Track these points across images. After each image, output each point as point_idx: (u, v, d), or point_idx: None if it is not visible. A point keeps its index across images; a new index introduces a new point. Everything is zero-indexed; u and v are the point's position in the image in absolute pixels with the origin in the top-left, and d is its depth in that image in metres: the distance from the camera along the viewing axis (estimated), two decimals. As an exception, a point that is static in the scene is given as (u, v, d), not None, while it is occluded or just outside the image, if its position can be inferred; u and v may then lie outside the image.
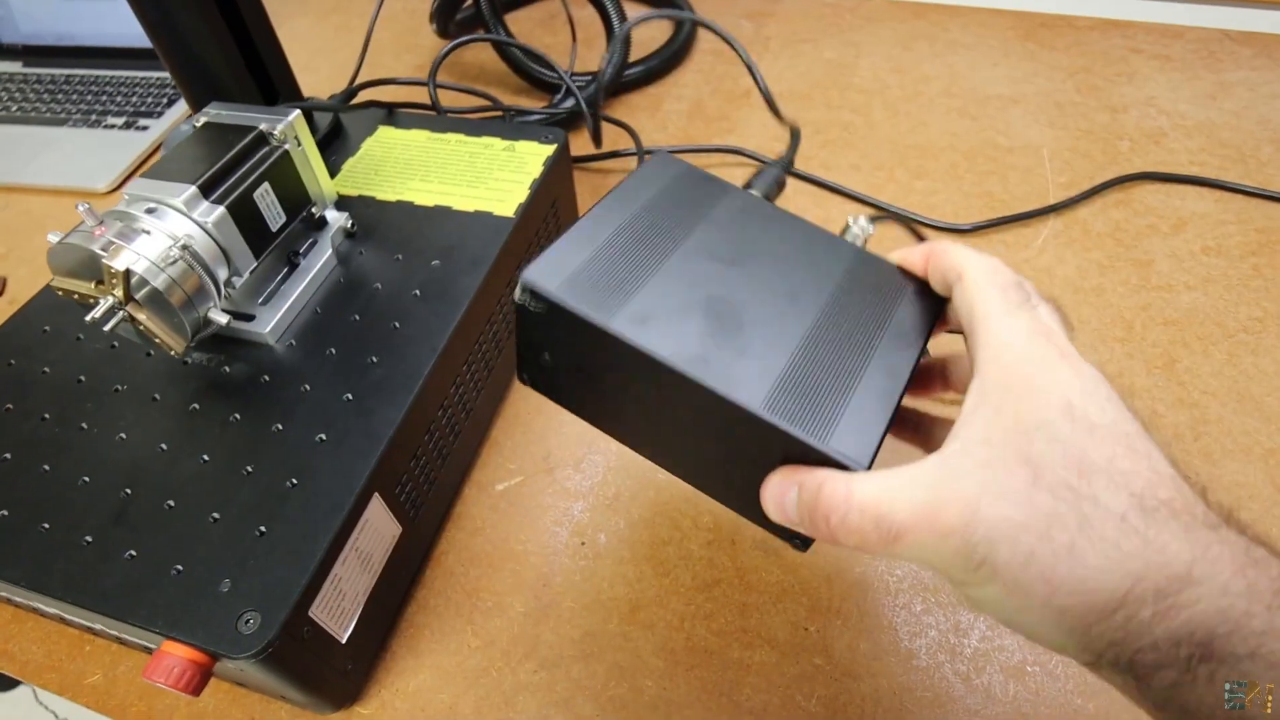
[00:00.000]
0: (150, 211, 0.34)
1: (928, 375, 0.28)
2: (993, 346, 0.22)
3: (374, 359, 0.37)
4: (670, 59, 0.71)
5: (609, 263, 0.25)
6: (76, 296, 0.34)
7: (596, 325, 0.24)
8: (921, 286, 0.27)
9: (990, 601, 0.20)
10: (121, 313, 0.33)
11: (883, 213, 0.57)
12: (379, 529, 0.35)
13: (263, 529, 0.32)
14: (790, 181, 0.60)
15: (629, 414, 0.27)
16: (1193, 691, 0.17)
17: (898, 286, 0.27)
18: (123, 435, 0.36)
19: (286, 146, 0.39)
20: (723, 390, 0.23)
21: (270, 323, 0.38)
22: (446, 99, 0.60)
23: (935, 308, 0.27)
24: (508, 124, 0.52)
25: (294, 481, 0.33)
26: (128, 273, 0.32)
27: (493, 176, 0.47)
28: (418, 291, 0.40)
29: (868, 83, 0.69)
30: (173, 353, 0.36)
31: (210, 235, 0.35)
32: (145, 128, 0.70)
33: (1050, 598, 0.18)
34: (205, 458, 0.34)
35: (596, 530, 0.42)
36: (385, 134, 0.51)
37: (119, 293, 0.33)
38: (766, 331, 0.25)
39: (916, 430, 0.29)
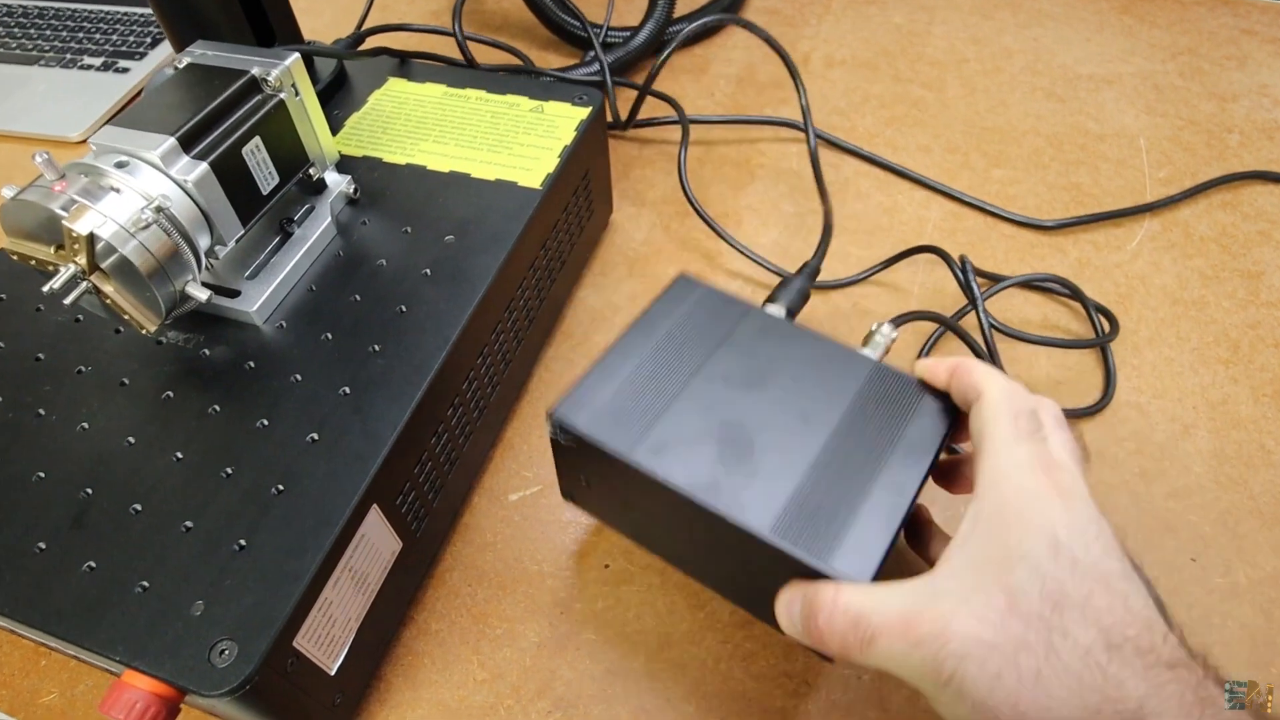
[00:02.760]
0: (121, 166, 0.32)
1: (956, 473, 0.31)
2: (993, 473, 0.25)
3: (376, 347, 0.35)
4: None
5: (632, 395, 0.30)
6: (34, 262, 0.31)
7: (619, 457, 0.29)
8: (941, 399, 0.30)
9: (959, 715, 0.22)
10: (85, 284, 0.31)
11: (958, 202, 0.54)
12: (377, 545, 0.32)
13: (242, 542, 0.29)
14: (851, 163, 0.57)
15: (659, 531, 0.33)
16: None
17: (914, 399, 0.30)
18: (84, 425, 0.33)
19: (282, 96, 0.36)
20: (733, 516, 0.27)
21: (258, 300, 0.36)
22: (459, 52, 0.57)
23: (952, 419, 0.30)
24: (536, 81, 0.49)
25: (280, 488, 0.31)
26: (91, 237, 0.29)
27: (517, 141, 0.44)
28: (428, 270, 0.38)
29: (941, 54, 0.66)
30: (144, 331, 0.33)
31: (190, 196, 0.33)
32: (125, 70, 0.67)
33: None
34: (178, 455, 0.32)
35: (622, 553, 0.39)
36: (396, 87, 0.48)
37: (82, 260, 0.30)
38: (777, 455, 0.28)
39: (918, 540, 0.32)
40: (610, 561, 0.39)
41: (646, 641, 0.36)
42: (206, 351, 0.35)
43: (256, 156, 0.35)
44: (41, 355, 0.36)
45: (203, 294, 0.33)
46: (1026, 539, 0.22)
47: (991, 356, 0.42)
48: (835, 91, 0.63)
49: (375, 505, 0.31)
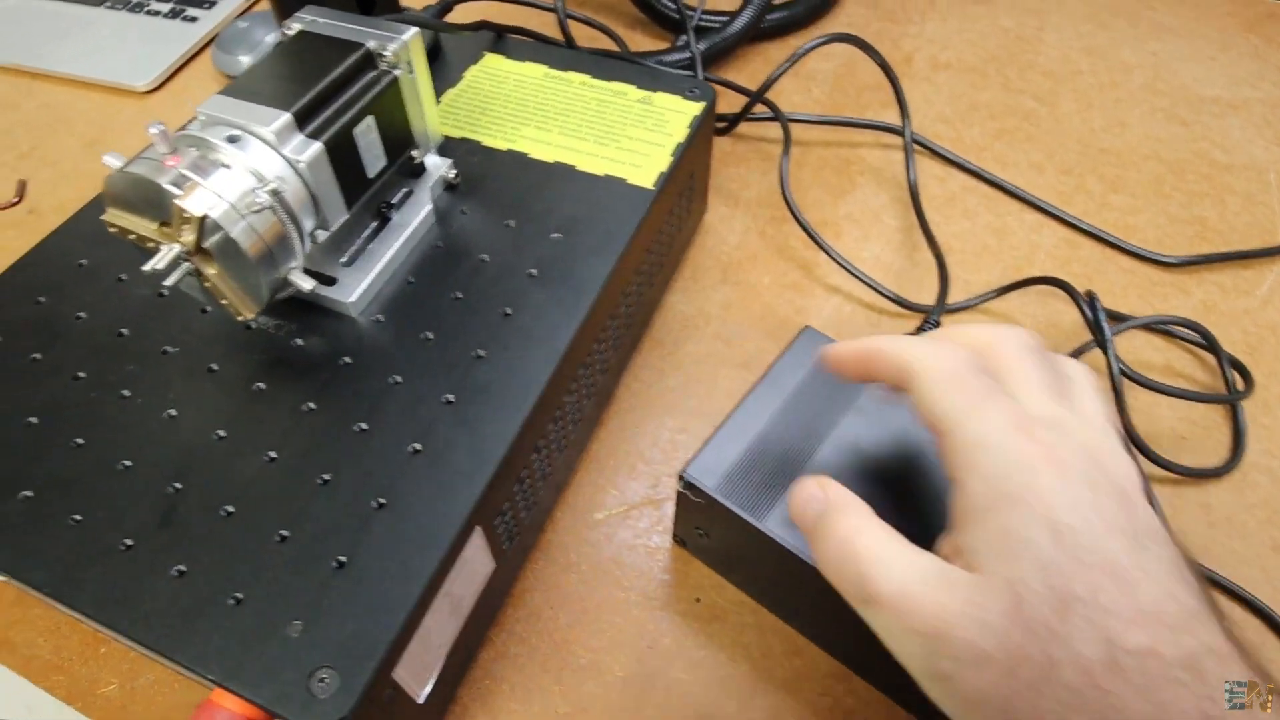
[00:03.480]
0: (232, 140, 0.30)
1: None
2: (964, 455, 0.22)
3: (480, 353, 0.33)
4: (817, 6, 0.65)
5: (761, 458, 0.32)
6: (133, 237, 0.30)
7: (751, 524, 0.31)
8: None
9: (949, 708, 0.21)
10: (186, 264, 0.29)
11: (1072, 229, 0.51)
12: (475, 567, 0.31)
13: (342, 559, 0.28)
14: (957, 177, 0.55)
15: (774, 589, 0.35)
16: None
17: None
18: (172, 412, 0.32)
19: (397, 73, 0.34)
20: None
21: (356, 290, 0.34)
22: (551, 27, 0.55)
23: None
24: (641, 67, 0.46)
25: (381, 501, 0.29)
26: (204, 219, 0.28)
27: (626, 134, 0.42)
28: (534, 270, 0.36)
29: (1054, 63, 0.63)
30: (240, 317, 0.31)
31: (301, 177, 0.31)
32: (194, 19, 0.65)
33: None
34: (272, 455, 0.30)
35: (713, 587, 0.37)
36: (493, 63, 0.46)
37: (188, 240, 0.28)
38: (908, 531, 0.26)
39: None
40: (701, 595, 0.37)
41: (739, 687, 0.35)
42: (299, 341, 0.34)
43: (368, 137, 0.33)
44: (125, 330, 0.34)
45: (307, 283, 0.31)
46: (1026, 525, 0.20)
47: (1119, 404, 0.40)
48: (941, 97, 0.60)
49: (478, 527, 0.30)
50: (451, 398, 0.32)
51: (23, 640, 0.36)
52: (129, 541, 0.28)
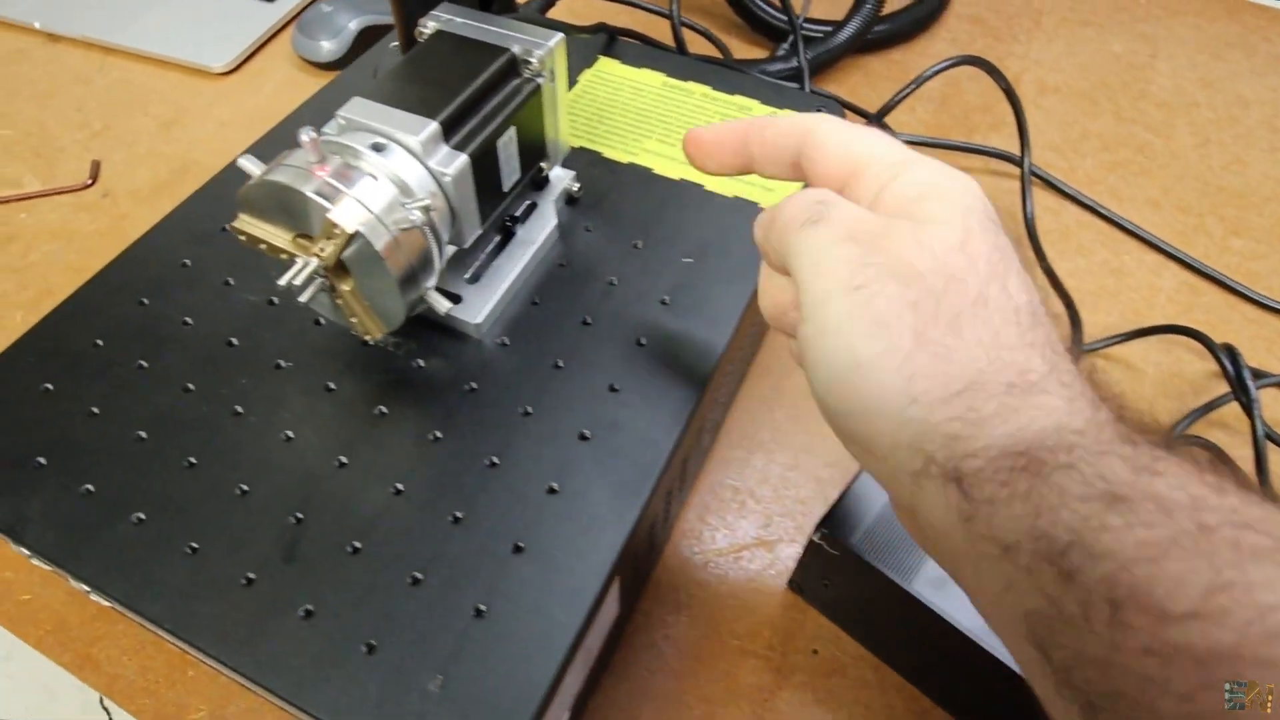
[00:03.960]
0: (377, 149, 0.28)
1: None
2: (888, 163, 0.23)
3: (615, 386, 0.31)
4: (921, 19, 0.63)
5: None
6: (263, 247, 0.28)
7: (897, 584, 0.30)
8: None
9: (848, 336, 0.20)
10: (320, 280, 0.28)
11: (1194, 273, 0.49)
12: (605, 616, 0.29)
13: (481, 606, 0.26)
14: (1071, 210, 0.53)
15: (902, 649, 0.34)
16: (1007, 509, 0.17)
17: None
18: (289, 434, 0.30)
19: (541, 80, 0.32)
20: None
21: (482, 310, 0.32)
22: (657, 30, 0.53)
23: None
24: (758, 80, 0.44)
25: (520, 544, 0.27)
26: (355, 235, 0.26)
27: (752, 153, 0.40)
28: (666, 298, 0.34)
29: (1167, 94, 0.60)
30: (367, 338, 0.30)
31: (444, 191, 0.29)
32: (271, 0, 0.63)
33: (914, 349, 0.19)
34: (398, 486, 0.29)
35: (832, 637, 0.36)
36: (607, 68, 0.44)
37: (328, 254, 0.27)
38: None
39: None
40: (819, 647, 0.36)
41: (862, 748, 0.33)
42: (421, 362, 0.32)
43: (508, 149, 0.31)
44: (235, 340, 0.33)
45: (443, 304, 0.30)
46: (965, 205, 0.21)
47: (1260, 470, 0.38)
48: (1051, 124, 0.58)
49: (618, 578, 0.28)
50: (587, 433, 0.30)
51: (106, 658, 0.35)
52: (251, 575, 0.27)
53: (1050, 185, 0.53)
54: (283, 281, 0.27)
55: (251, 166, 0.28)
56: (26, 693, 0.67)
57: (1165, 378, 0.45)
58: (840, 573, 0.33)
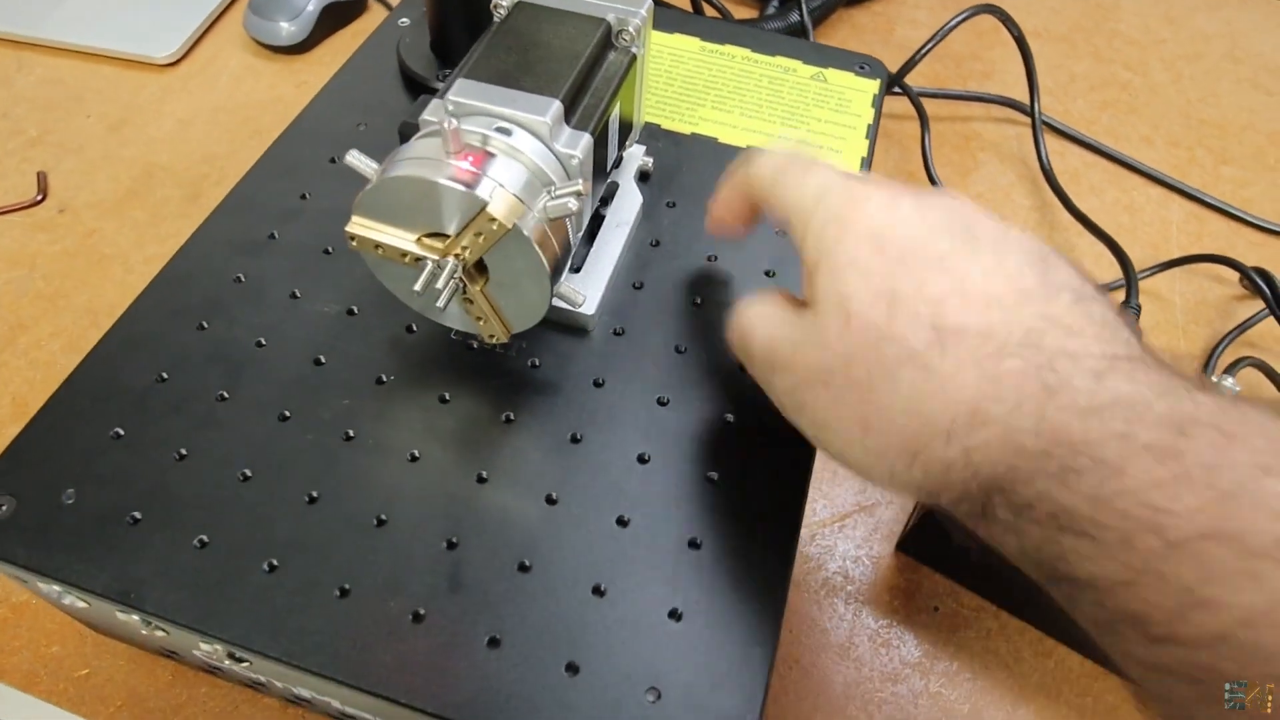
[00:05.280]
0: (504, 133, 0.26)
1: None
2: (800, 215, 0.23)
3: (744, 366, 0.31)
4: (899, -29, 0.64)
5: None
6: (379, 251, 0.26)
7: None
8: None
9: (809, 435, 0.23)
10: (453, 281, 0.26)
11: (1197, 203, 0.53)
12: (775, 604, 0.29)
13: (677, 608, 0.25)
14: (1074, 151, 0.55)
15: (1030, 594, 0.31)
16: (988, 525, 0.20)
17: None
18: (415, 453, 0.28)
19: (635, 50, 0.31)
20: None
21: (594, 299, 0.31)
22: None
23: None
24: (800, 42, 0.44)
25: (695, 540, 0.27)
26: (506, 229, 0.24)
27: (811, 115, 0.40)
28: (770, 269, 0.34)
29: (1136, 32, 0.64)
30: (491, 340, 0.28)
31: (569, 175, 0.27)
32: (212, -22, 0.58)
33: (864, 436, 0.21)
34: (552, 495, 0.27)
35: (948, 592, 0.37)
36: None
37: (477, 249, 0.25)
38: None
39: None
40: (939, 603, 0.37)
41: (1001, 697, 0.34)
42: (536, 362, 0.31)
43: (613, 126, 0.30)
44: (322, 358, 0.30)
45: (580, 296, 0.28)
46: (850, 247, 0.21)
47: (1305, 380, 0.41)
48: (1039, 68, 0.60)
49: (793, 560, 0.28)
50: (731, 417, 0.29)
51: None
52: (420, 611, 0.25)
53: (1054, 129, 0.56)
54: (418, 286, 0.25)
55: (362, 163, 0.25)
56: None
57: (1192, 306, 0.48)
58: (963, 528, 0.34)
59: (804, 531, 0.38)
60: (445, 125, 0.24)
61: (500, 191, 0.24)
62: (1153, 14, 0.66)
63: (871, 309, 0.20)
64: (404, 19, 0.42)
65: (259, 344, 0.30)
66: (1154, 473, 0.15)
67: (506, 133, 0.26)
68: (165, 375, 0.29)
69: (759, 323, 0.25)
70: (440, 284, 0.25)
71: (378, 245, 0.26)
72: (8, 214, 0.46)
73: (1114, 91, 0.59)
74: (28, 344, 0.41)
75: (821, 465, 0.40)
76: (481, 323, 0.27)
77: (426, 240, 0.25)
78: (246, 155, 0.37)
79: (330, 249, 0.33)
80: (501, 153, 0.25)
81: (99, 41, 0.54)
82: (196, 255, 0.33)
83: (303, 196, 0.35)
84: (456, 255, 0.25)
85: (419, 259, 0.25)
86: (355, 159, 0.25)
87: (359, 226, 0.26)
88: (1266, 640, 0.14)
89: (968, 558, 0.36)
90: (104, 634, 0.33)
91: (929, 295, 0.20)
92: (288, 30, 0.55)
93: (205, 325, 0.31)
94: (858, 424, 0.21)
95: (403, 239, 0.26)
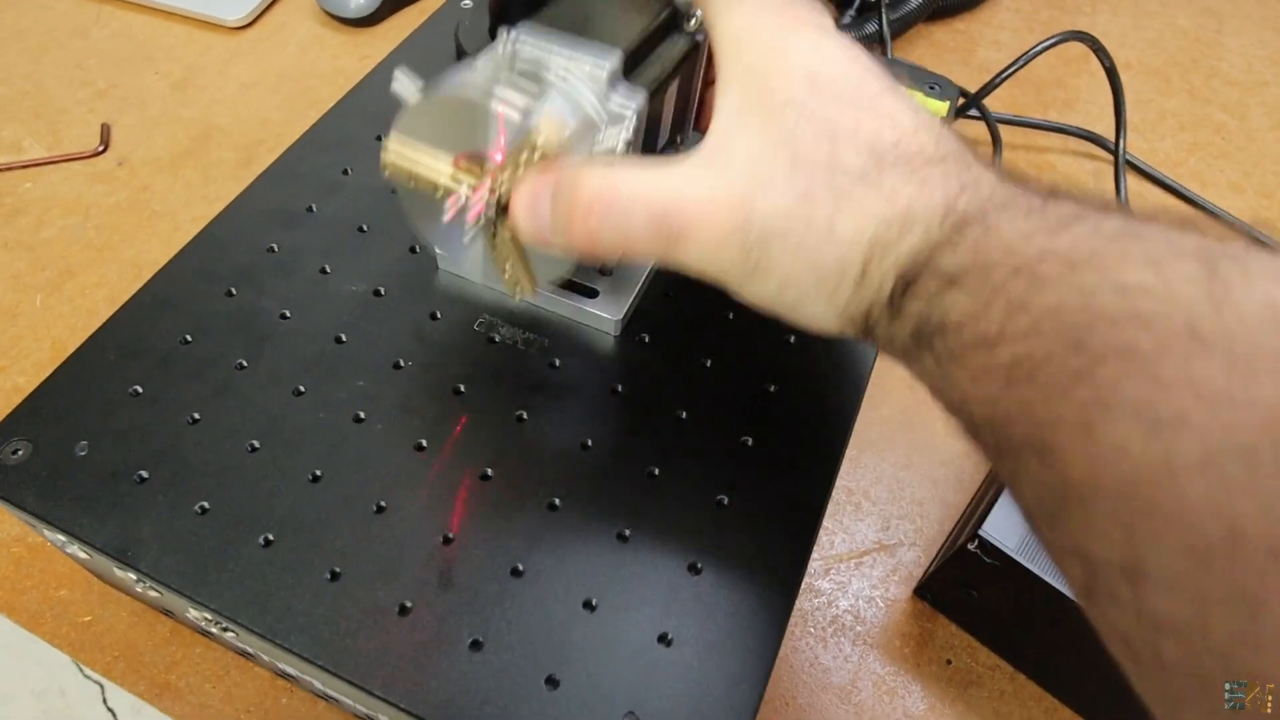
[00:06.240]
0: (560, 76, 0.26)
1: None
2: (729, 38, 0.22)
3: (772, 388, 0.30)
4: (985, -12, 0.62)
5: None
6: (412, 183, 0.25)
7: (1059, 590, 0.29)
8: None
9: (765, 296, 0.22)
10: (484, 217, 0.25)
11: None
12: (774, 638, 0.28)
13: (666, 633, 0.25)
14: (1155, 193, 0.53)
15: (1049, 660, 0.34)
16: (897, 331, 0.20)
17: None
18: (422, 442, 0.28)
19: (700, 40, 0.30)
20: None
21: (622, 307, 0.31)
22: None
23: None
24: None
25: (696, 564, 0.26)
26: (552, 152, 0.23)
27: (872, 132, 0.39)
28: (808, 291, 0.33)
29: (1238, 72, 0.61)
30: (517, 293, 0.27)
31: (623, 130, 0.27)
32: (289, -54, 0.59)
33: (819, 282, 0.21)
34: (556, 502, 0.27)
35: (965, 646, 0.35)
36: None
37: (504, 187, 0.24)
38: None
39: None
40: (953, 657, 0.35)
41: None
42: (556, 362, 0.30)
43: (667, 107, 0.29)
44: (343, 336, 0.30)
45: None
46: (785, 84, 0.21)
47: None
48: (1127, 102, 0.58)
49: (797, 596, 0.27)
50: (749, 440, 0.29)
51: (187, 685, 0.33)
52: (406, 603, 0.25)
53: (1136, 169, 0.53)
54: (448, 217, 0.25)
55: (408, 84, 0.25)
56: None
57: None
58: (991, 582, 0.32)
59: (818, 565, 0.37)
60: (502, 50, 0.23)
61: (549, 123, 0.24)
62: (1258, 55, 0.62)
63: (816, 148, 0.20)
64: (467, 1, 0.42)
65: (283, 316, 0.31)
66: (1019, 226, 0.18)
67: (563, 74, 0.26)
68: (189, 338, 0.30)
69: (636, 185, 0.22)
70: (470, 216, 0.25)
71: (411, 176, 0.25)
72: (70, 162, 0.48)
73: (1206, 133, 0.56)
74: (73, 290, 0.43)
75: (845, 497, 0.39)
76: (506, 272, 0.27)
77: (463, 168, 0.25)
78: (301, 124, 0.38)
79: (365, 227, 0.33)
80: (555, 89, 0.25)
81: (180, 2, 0.55)
82: (235, 221, 0.34)
83: (345, 172, 0.35)
84: (491, 190, 0.25)
85: (450, 192, 0.25)
86: (401, 81, 0.24)
87: (396, 152, 0.25)
88: (1071, 321, 0.16)
89: (988, 611, 0.34)
90: (108, 584, 0.34)
91: (865, 130, 0.20)
92: (357, 3, 0.56)
93: (234, 292, 0.31)
94: (810, 268, 0.21)
95: (438, 168, 0.25)
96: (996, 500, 0.32)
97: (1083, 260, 0.17)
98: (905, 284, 0.20)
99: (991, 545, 0.31)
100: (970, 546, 0.32)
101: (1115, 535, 0.15)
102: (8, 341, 0.41)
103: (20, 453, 0.27)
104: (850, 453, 0.40)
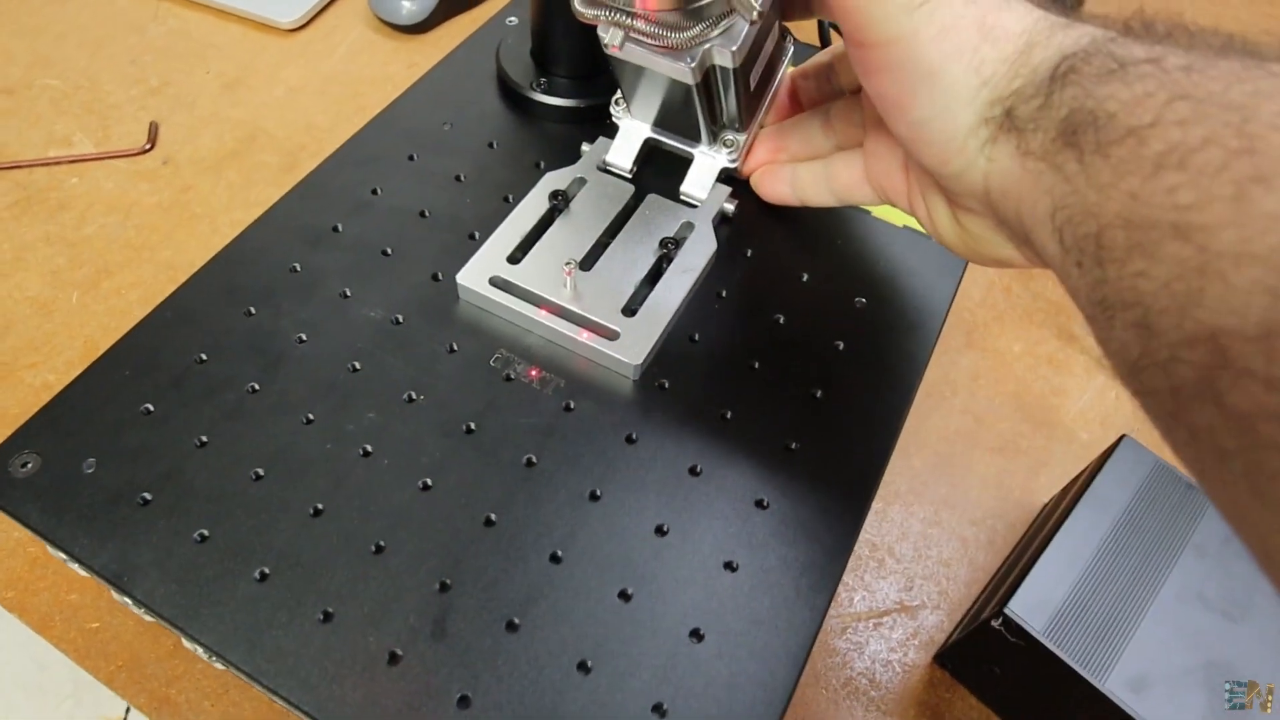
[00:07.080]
0: None
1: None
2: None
3: (792, 444, 0.29)
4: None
5: (1091, 596, 0.30)
6: None
7: (1089, 682, 0.28)
8: None
9: (917, 38, 0.22)
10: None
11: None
12: (778, 712, 0.27)
13: (661, 702, 0.24)
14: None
15: None
16: (1047, 119, 0.21)
17: None
18: (427, 481, 0.27)
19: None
20: None
21: (642, 351, 0.30)
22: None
23: None
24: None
25: (699, 630, 0.25)
26: None
27: (919, 175, 0.37)
28: (840, 344, 0.31)
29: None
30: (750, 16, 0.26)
31: None
32: (344, -51, 0.59)
33: (976, 47, 0.22)
34: (557, 553, 0.26)
35: (982, 719, 0.34)
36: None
37: None
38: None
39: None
40: (971, 732, 0.34)
41: None
42: (571, 405, 0.29)
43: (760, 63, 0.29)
44: (358, 365, 0.30)
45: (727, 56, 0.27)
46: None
47: None
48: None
49: (803, 671, 0.26)
50: (765, 501, 0.28)
51: (186, 701, 0.32)
52: (396, 651, 0.24)
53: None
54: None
55: None
56: None
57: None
58: (1013, 660, 0.31)
59: (835, 622, 0.36)
60: None
61: None
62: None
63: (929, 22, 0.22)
64: (512, 18, 0.42)
65: (300, 339, 0.30)
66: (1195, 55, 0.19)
67: None
68: (204, 357, 0.30)
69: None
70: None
71: None
72: (115, 158, 0.48)
73: None
74: (109, 290, 0.43)
75: (868, 552, 0.37)
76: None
77: None
78: (345, 130, 0.38)
79: (389, 250, 0.33)
80: None
81: (235, 2, 0.56)
82: (261, 237, 0.33)
83: (374, 191, 0.35)
84: None
85: None
86: None
87: None
88: (1238, 103, 0.17)
89: (1011, 689, 0.33)
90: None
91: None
92: (409, 10, 0.55)
93: (253, 311, 0.31)
94: (976, 28, 0.22)
95: None
96: (1026, 575, 0.30)
97: (1251, 77, 0.17)
98: (1069, 67, 0.20)
99: (1017, 625, 0.29)
100: (994, 623, 0.30)
101: (1258, 301, 0.15)
102: (42, 337, 0.41)
103: (29, 466, 0.27)
104: (876, 505, 0.39)
